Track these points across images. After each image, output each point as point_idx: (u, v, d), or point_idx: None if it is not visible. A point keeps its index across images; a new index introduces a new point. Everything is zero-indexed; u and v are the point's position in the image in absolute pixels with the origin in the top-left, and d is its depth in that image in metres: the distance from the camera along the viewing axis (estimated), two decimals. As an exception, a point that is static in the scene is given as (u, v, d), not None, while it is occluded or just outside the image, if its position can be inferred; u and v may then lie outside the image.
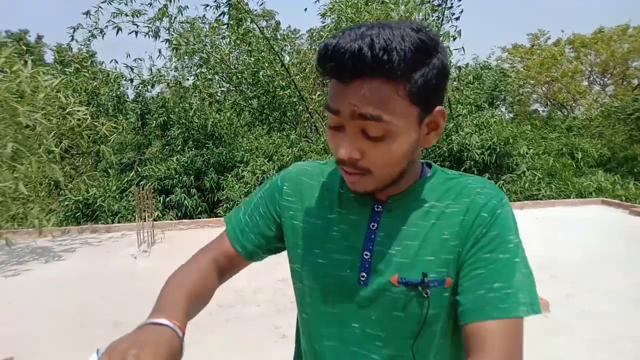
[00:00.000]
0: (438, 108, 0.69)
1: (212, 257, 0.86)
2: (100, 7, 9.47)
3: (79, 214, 8.55)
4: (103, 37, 9.85)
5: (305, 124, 11.22)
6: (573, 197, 8.86)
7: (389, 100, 0.63)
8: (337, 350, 0.79)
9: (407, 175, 0.75)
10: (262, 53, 10.02)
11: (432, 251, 0.72)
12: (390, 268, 0.73)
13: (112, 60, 11.92)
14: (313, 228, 0.81)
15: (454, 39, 8.94)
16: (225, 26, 10.42)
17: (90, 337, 3.44)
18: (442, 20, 8.94)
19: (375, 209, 0.77)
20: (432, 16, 8.25)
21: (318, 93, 10.56)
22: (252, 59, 10.24)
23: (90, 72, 10.90)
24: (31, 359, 3.16)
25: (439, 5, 9.72)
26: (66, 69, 10.30)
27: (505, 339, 0.66)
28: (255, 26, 10.30)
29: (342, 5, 9.06)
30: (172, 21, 9.77)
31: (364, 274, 0.75)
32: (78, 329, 3.62)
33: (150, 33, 9.79)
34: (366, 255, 0.75)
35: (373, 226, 0.76)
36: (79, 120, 6.11)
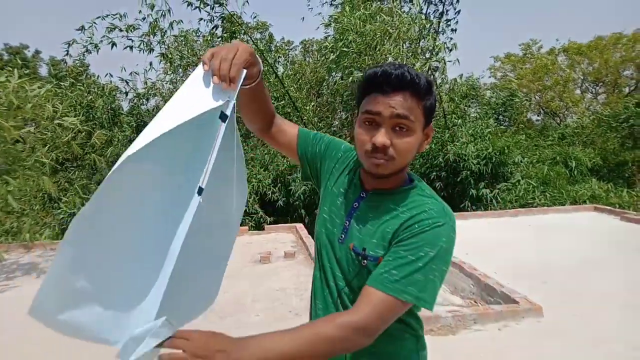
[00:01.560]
0: (431, 124, 1.06)
1: (281, 120, 1.27)
2: (94, 22, 9.57)
3: (74, 227, 8.50)
4: (98, 51, 9.93)
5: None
6: (567, 205, 8.93)
7: (414, 108, 0.99)
8: (319, 283, 1.16)
9: (397, 176, 1.06)
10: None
11: (377, 237, 1.03)
12: (352, 237, 1.08)
13: (107, 73, 11.96)
14: (331, 192, 1.18)
15: (450, 51, 9.07)
16: (220, 39, 10.54)
17: (85, 353, 3.43)
18: (438, 32, 9.07)
19: (361, 195, 1.11)
20: (429, 29, 8.38)
21: (312, 104, 10.65)
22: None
23: (85, 85, 10.95)
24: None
25: (439, 17, 9.89)
26: (61, 83, 10.35)
27: (373, 306, 0.93)
28: (248, 38, 10.41)
29: (346, 17, 9.17)
30: (164, 35, 9.86)
31: (342, 235, 1.10)
32: (71, 345, 3.61)
33: (144, 47, 9.88)
34: (346, 223, 1.11)
35: (355, 205, 1.11)
36: (72, 130, 6.08)
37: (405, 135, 0.99)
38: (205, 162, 0.92)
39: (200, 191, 0.93)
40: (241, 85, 0.93)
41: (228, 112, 0.89)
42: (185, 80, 0.92)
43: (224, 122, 0.89)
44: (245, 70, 0.91)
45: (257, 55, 0.98)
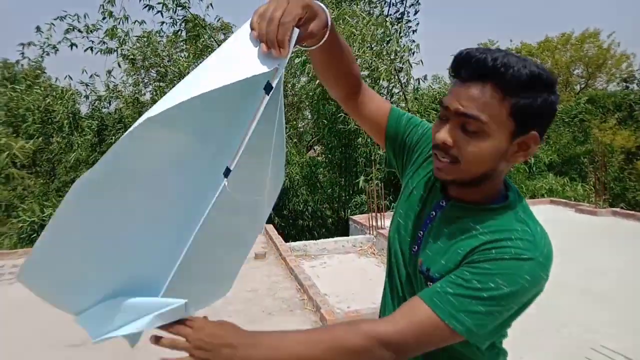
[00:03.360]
0: (533, 133, 0.79)
1: (370, 89, 1.07)
2: (52, 23, 9.24)
3: (34, 235, 8.21)
4: (56, 53, 9.59)
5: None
6: (526, 199, 9.34)
7: (492, 105, 0.76)
8: (388, 291, 1.02)
9: (484, 186, 0.85)
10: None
11: (446, 258, 0.85)
12: (422, 252, 0.91)
13: (66, 76, 11.55)
14: (411, 193, 1.00)
15: (413, 53, 9.28)
16: (183, 42, 10.38)
17: (53, 358, 3.35)
18: (400, 33, 9.26)
19: (440, 203, 0.93)
20: (391, 29, 8.55)
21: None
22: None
23: (42, 88, 10.55)
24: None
25: (398, 19, 10.09)
26: (16, 87, 9.94)
27: (411, 320, 0.77)
28: (212, 41, 10.31)
29: None
30: (125, 37, 9.63)
31: (415, 247, 0.94)
32: (42, 352, 3.51)
33: (104, 50, 9.61)
34: (420, 233, 0.94)
35: (432, 214, 0.93)
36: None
37: (475, 137, 0.78)
38: (239, 138, 0.81)
39: (227, 172, 0.82)
40: (304, 46, 0.80)
41: (274, 83, 0.75)
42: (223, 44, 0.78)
43: (268, 94, 0.76)
44: (297, 30, 0.72)
45: (319, 5, 0.77)
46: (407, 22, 10.07)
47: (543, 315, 3.72)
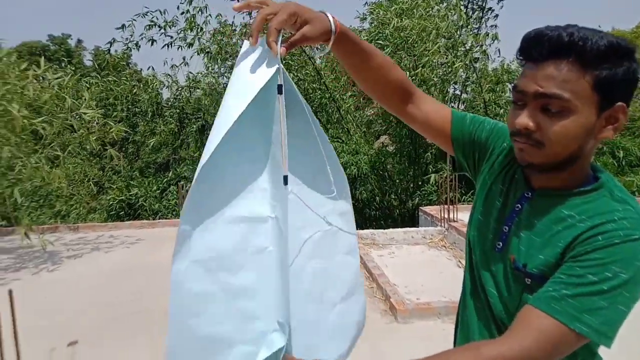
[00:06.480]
0: (620, 103, 0.75)
1: (424, 94, 1.03)
2: (134, 19, 9.84)
3: (122, 212, 8.94)
4: (138, 49, 10.23)
5: (337, 125, 11.33)
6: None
7: (573, 81, 0.73)
8: (469, 293, 0.97)
9: (571, 170, 0.80)
10: (295, 56, 10.20)
11: (545, 252, 0.80)
12: (512, 248, 0.85)
13: (149, 67, 12.32)
14: (489, 189, 0.95)
15: (494, 40, 8.87)
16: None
17: (144, 324, 3.66)
18: (481, 20, 8.88)
19: (525, 195, 0.87)
20: (469, 16, 8.21)
21: (349, 93, 10.66)
22: (283, 60, 10.39)
23: (129, 79, 11.37)
24: (93, 343, 3.39)
25: (477, 6, 9.66)
26: (106, 79, 10.79)
27: (532, 334, 0.71)
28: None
29: (382, 10, 9.08)
30: (202, 27, 10.01)
31: (500, 243, 0.89)
32: (133, 316, 3.85)
33: (184, 44, 10.08)
34: (505, 228, 0.88)
35: (517, 207, 0.88)
36: (90, 122, 6.08)
37: (559, 117, 0.74)
38: (279, 145, 0.82)
39: (285, 180, 0.81)
40: (323, 47, 0.86)
41: (281, 81, 0.79)
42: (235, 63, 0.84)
43: (281, 93, 0.79)
44: (280, 33, 0.78)
45: (320, 14, 0.83)
46: (488, 10, 9.60)
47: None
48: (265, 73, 0.79)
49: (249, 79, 0.79)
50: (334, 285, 0.94)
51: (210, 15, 10.03)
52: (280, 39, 0.78)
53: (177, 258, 0.80)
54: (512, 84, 0.82)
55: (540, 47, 0.75)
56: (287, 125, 0.79)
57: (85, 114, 5.87)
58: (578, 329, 0.70)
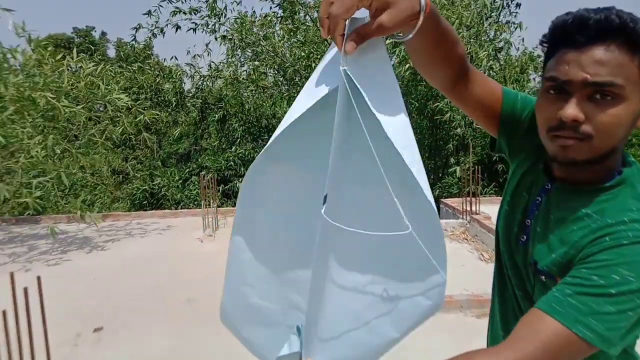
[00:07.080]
0: None
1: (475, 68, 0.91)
2: (160, 5, 9.93)
3: (145, 202, 9.11)
4: (163, 35, 10.33)
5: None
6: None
7: (624, 65, 0.68)
8: (495, 282, 0.96)
9: (606, 163, 0.74)
10: (316, 45, 10.14)
11: (554, 249, 0.77)
12: (533, 242, 0.83)
13: (172, 57, 12.44)
14: (520, 177, 0.90)
15: (516, 29, 8.65)
16: (278, 19, 10.62)
17: (166, 312, 3.73)
18: (502, 8, 8.66)
19: (546, 187, 0.83)
20: (493, 5, 8.02)
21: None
22: (304, 51, 10.37)
23: (152, 69, 11.50)
24: (118, 329, 3.47)
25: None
26: (129, 67, 10.93)
27: (534, 336, 0.65)
28: (308, 18, 10.42)
29: None
30: (221, 16, 10.04)
31: (524, 236, 0.85)
32: (155, 304, 3.92)
33: (206, 30, 10.15)
34: (528, 222, 0.85)
35: (538, 200, 0.84)
36: (127, 108, 6.17)
37: (610, 105, 0.68)
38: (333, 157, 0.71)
39: (325, 199, 0.71)
40: (397, 37, 0.68)
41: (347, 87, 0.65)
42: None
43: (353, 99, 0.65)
44: (346, 22, 0.62)
45: None
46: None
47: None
48: (333, 76, 0.67)
49: (317, 79, 0.70)
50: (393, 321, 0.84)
51: (235, 1, 10.07)
52: (345, 30, 0.62)
53: (238, 230, 0.81)
54: (547, 73, 0.73)
55: (585, 30, 0.68)
56: (340, 136, 0.69)
57: (119, 99, 5.95)
58: (581, 333, 0.64)
